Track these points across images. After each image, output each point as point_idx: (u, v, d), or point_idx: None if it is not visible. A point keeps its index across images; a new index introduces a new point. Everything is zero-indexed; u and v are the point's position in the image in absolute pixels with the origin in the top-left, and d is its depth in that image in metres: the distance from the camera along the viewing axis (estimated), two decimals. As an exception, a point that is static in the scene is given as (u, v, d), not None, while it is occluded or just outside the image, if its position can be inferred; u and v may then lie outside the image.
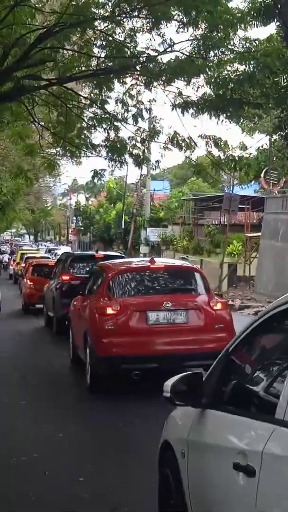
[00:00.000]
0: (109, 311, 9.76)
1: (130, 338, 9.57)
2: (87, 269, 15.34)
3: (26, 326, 19.86)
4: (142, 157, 14.95)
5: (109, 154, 14.86)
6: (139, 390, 9.32)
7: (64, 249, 62.17)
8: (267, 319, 3.41)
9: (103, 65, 13.10)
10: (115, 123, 14.51)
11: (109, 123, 14.52)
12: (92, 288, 11.36)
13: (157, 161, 15.46)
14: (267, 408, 3.02)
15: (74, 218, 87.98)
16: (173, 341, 9.55)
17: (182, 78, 12.65)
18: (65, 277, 16.49)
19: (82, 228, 78.24)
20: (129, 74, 13.40)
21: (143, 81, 13.15)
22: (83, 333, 10.58)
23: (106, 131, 14.66)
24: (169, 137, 14.21)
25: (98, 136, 15.65)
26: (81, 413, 9.08)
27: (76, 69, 13.28)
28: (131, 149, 14.82)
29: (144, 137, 14.83)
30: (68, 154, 17.84)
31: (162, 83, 12.85)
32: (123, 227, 55.86)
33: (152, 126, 14.84)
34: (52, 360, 13.52)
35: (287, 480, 2.67)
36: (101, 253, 18.12)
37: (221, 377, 3.78)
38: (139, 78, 13.48)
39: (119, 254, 19.05)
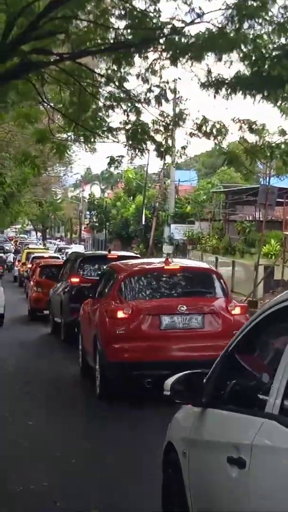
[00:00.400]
0: (120, 314, 10.28)
1: (142, 343, 10.06)
2: (99, 271, 15.61)
3: (32, 335, 20.09)
4: (165, 146, 14.91)
5: (129, 140, 14.85)
6: (152, 398, 9.20)
7: (76, 248, 62.48)
8: (263, 319, 3.95)
9: (122, 38, 13.09)
10: (136, 105, 14.47)
11: (129, 104, 14.51)
12: (103, 290, 11.87)
13: (183, 147, 15.42)
14: (259, 404, 3.55)
15: (88, 212, 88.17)
16: (187, 347, 9.93)
17: (213, 54, 12.62)
18: (74, 280, 16.87)
19: (97, 224, 78.34)
20: (152, 49, 13.36)
21: (168, 57, 13.11)
22: (93, 338, 11.06)
23: (125, 113, 14.65)
24: (196, 123, 14.19)
25: (115, 120, 15.61)
26: (93, 433, 9.12)
27: (91, 42, 13.27)
28: (153, 135, 14.81)
29: (168, 122, 14.79)
30: (81, 139, 17.89)
31: (189, 59, 12.80)
32: (143, 223, 55.89)
33: (177, 108, 14.75)
34: (60, 372, 13.75)
35: (273, 468, 3.21)
36: (115, 253, 18.61)
37: (220, 376, 4.32)
38: (163, 54, 13.46)
39: (134, 255, 19.49)
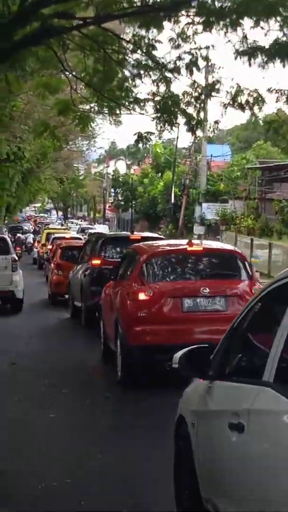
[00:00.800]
0: (142, 296, 10.75)
1: (163, 326, 10.45)
2: (121, 252, 15.81)
3: (52, 320, 20.45)
4: (196, 119, 14.79)
5: (158, 113, 14.75)
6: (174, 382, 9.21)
7: (100, 228, 62.58)
8: (264, 296, 4.64)
9: (151, 0, 13.01)
10: (166, 74, 14.37)
11: (157, 73, 14.41)
12: (125, 273, 12.31)
13: (216, 122, 15.33)
14: (258, 374, 4.15)
15: (112, 190, 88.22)
16: (210, 330, 10.03)
17: (249, 19, 12.49)
18: (96, 262, 17.25)
19: (122, 203, 78.43)
20: (184, 13, 13.24)
21: (201, 22, 12.98)
22: (114, 322, 11.59)
23: (154, 83, 14.55)
24: (231, 92, 14.07)
25: (143, 91, 15.56)
26: (120, 425, 9.16)
27: (117, 5, 13.18)
28: (184, 107, 14.69)
29: (200, 92, 14.66)
30: (106, 111, 17.85)
31: (224, 25, 12.66)
32: (172, 201, 55.82)
33: (210, 77, 14.61)
34: (80, 359, 13.99)
35: (267, 430, 3.91)
36: (138, 234, 18.91)
37: (225, 350, 5.01)
38: (195, 18, 13.33)
39: (158, 236, 19.84)
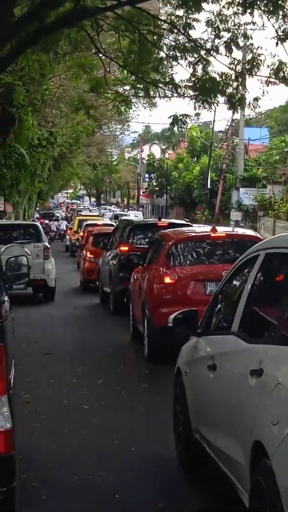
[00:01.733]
0: (167, 280, 11.96)
1: (188, 308, 10.68)
2: (148, 239, 16.72)
3: (84, 309, 20.92)
4: (237, 96, 14.71)
5: (197, 95, 14.67)
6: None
7: (134, 214, 62.60)
8: (236, 268, 6.50)
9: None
10: (204, 55, 14.27)
11: (196, 55, 14.32)
12: (152, 258, 13.61)
13: (256, 99, 15.19)
14: (229, 327, 5.92)
15: (147, 175, 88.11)
16: None
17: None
18: (124, 248, 18.17)
19: (157, 189, 78.29)
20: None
21: (240, 1, 12.91)
22: (142, 304, 12.85)
23: (191, 65, 14.46)
24: (273, 68, 13.97)
25: (179, 74, 15.47)
26: (154, 414, 9.21)
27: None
28: (223, 87, 14.60)
29: (240, 70, 14.57)
30: (141, 93, 17.84)
31: (265, 5, 12.59)
32: (209, 187, 55.59)
33: (250, 54, 14.50)
34: (111, 345, 14.64)
35: (229, 365, 5.67)
36: (165, 221, 19.85)
37: (210, 312, 6.89)
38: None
39: (185, 222, 20.67)
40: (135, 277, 14.81)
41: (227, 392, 5.67)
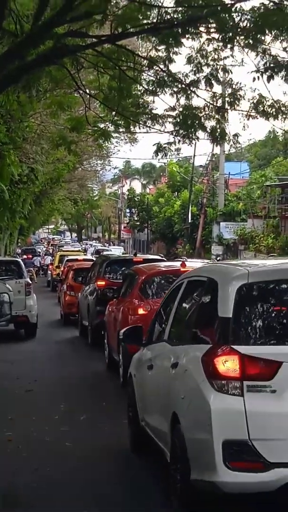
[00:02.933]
0: (141, 311, 13.07)
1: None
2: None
3: (65, 343, 21.34)
4: (219, 130, 14.82)
5: (177, 127, 14.77)
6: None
7: (114, 250, 62.71)
8: (170, 293, 8.68)
9: (167, 16, 13.03)
10: (184, 87, 14.39)
11: (176, 87, 14.42)
12: (126, 291, 14.75)
13: (236, 135, 15.34)
14: (163, 336, 8.11)
15: (128, 210, 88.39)
16: None
17: (268, 34, 12.55)
18: (101, 283, 18.81)
19: (138, 223, 78.50)
20: (203, 28, 13.28)
21: (219, 38, 13.05)
22: (117, 334, 13.17)
23: (175, 95, 14.54)
24: (253, 102, 14.10)
25: (159, 107, 15.56)
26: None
27: (132, 22, 13.25)
28: (204, 121, 14.72)
29: (221, 104, 14.70)
30: (121, 129, 17.91)
31: (244, 40, 12.73)
32: (190, 221, 55.82)
33: (231, 89, 14.64)
34: (91, 380, 14.97)
35: (160, 365, 7.82)
36: (140, 256, 21.17)
37: (151, 327, 8.99)
38: (211, 35, 13.39)
39: (159, 258, 21.63)
40: (110, 309, 15.84)
41: (158, 382, 7.92)
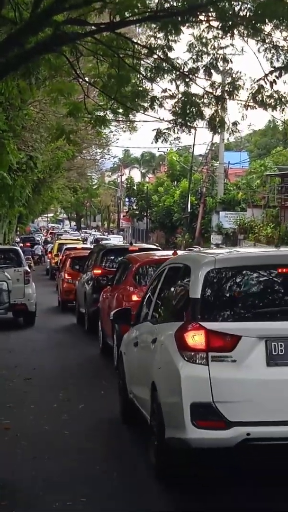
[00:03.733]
0: (134, 298, 13.60)
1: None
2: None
3: (63, 330, 21.63)
4: (218, 118, 14.78)
5: (176, 115, 14.73)
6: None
7: (114, 238, 62.70)
8: (154, 277, 9.67)
9: (167, 4, 12.99)
10: (184, 74, 14.34)
11: (176, 73, 14.37)
12: (120, 278, 15.52)
13: (235, 123, 15.29)
14: (148, 317, 9.23)
15: (127, 199, 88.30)
16: None
17: (268, 24, 12.51)
18: (97, 271, 19.36)
19: (137, 213, 78.44)
20: (203, 17, 13.23)
21: (219, 26, 13.00)
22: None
23: (173, 82, 14.49)
24: (251, 92, 14.06)
25: (157, 94, 15.50)
26: (135, 438, 9.23)
27: (131, 10, 13.20)
28: (203, 108, 14.67)
29: (220, 93, 14.65)
30: (120, 117, 17.84)
31: (244, 28, 12.68)
32: (189, 210, 55.79)
33: (230, 78, 14.59)
34: (88, 366, 15.31)
35: (144, 342, 8.91)
36: (136, 245, 21.50)
37: (139, 309, 9.94)
38: (210, 24, 13.34)
39: (154, 247, 22.31)
40: (104, 296, 16.55)
41: (141, 357, 9.02)
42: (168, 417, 7.38)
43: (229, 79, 14.77)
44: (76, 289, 23.25)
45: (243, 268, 7.63)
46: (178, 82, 14.57)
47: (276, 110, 14.26)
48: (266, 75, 13.48)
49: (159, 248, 22.58)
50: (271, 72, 13.40)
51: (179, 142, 61.68)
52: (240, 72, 14.46)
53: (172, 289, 8.46)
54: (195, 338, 7.06)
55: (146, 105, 15.26)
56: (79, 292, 21.99)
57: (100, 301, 16.85)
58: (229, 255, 8.44)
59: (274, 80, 13.44)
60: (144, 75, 14.95)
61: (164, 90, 14.77)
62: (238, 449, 6.87)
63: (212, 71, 14.21)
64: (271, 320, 7.22)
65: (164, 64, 14.48)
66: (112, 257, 19.58)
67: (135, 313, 10.10)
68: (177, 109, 14.71)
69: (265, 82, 13.64)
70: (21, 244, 58.91)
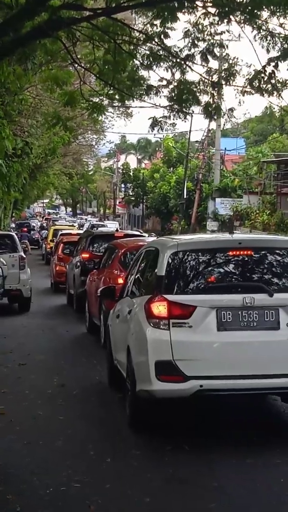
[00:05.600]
0: (120, 280, 14.28)
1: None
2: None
3: (56, 313, 22.33)
4: (214, 105, 14.76)
5: (172, 102, 14.71)
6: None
7: (110, 225, 62.68)
8: (135, 259, 11.35)
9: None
10: (179, 62, 14.30)
11: (173, 61, 14.33)
12: (106, 262, 16.72)
13: (231, 109, 15.28)
14: (128, 293, 10.77)
15: (123, 185, 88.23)
16: None
17: (265, 10, 12.46)
18: (85, 255, 20.76)
19: (133, 199, 78.40)
20: (199, 2, 13.18)
21: (216, 12, 12.96)
22: (98, 301, 15.48)
23: (169, 70, 14.46)
24: (248, 78, 14.03)
25: (155, 82, 15.46)
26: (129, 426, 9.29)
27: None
28: (199, 95, 14.63)
29: (216, 79, 14.62)
30: (116, 103, 17.78)
31: (242, 15, 12.64)
32: (185, 197, 55.74)
33: (227, 64, 14.55)
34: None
35: (123, 313, 10.45)
36: (121, 231, 23.87)
37: (123, 287, 11.49)
38: (207, 10, 13.29)
39: (138, 233, 24.01)
40: (90, 279, 17.82)
41: (121, 326, 10.44)
42: (138, 373, 8.87)
43: (225, 65, 14.72)
44: (66, 272, 24.82)
45: (200, 251, 9.20)
46: (174, 70, 14.53)
47: (273, 96, 14.25)
48: (264, 67, 13.44)
49: (143, 234, 24.65)
50: (268, 63, 13.36)
51: (176, 128, 61.59)
52: (237, 58, 14.44)
53: (146, 268, 10.05)
54: (159, 308, 8.60)
55: (142, 92, 15.23)
56: (69, 275, 23.49)
57: (87, 283, 18.18)
58: (190, 240, 10.30)
59: (273, 70, 13.42)
60: (141, 62, 14.92)
61: (161, 79, 14.74)
62: (193, 398, 8.46)
63: (209, 57, 14.16)
64: (222, 293, 8.72)
65: (160, 50, 14.44)
66: (99, 243, 20.87)
67: (120, 290, 11.51)
68: (173, 95, 14.68)
69: (264, 73, 13.61)
70: (24, 228, 59.81)
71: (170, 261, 8.88)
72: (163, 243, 9.67)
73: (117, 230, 25.33)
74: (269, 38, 13.17)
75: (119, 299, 11.36)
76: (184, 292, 8.78)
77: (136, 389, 8.87)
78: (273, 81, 14.08)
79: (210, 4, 12.94)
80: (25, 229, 62.40)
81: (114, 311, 11.57)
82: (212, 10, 13.20)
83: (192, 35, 13.94)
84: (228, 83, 14.57)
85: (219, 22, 13.39)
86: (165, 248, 9.18)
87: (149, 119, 15.90)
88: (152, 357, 8.49)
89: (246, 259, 9.06)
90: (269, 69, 13.56)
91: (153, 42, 14.27)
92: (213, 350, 8.49)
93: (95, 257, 19.49)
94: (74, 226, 54.52)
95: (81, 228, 53.18)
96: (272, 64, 13.48)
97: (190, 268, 9.03)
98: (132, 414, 9.24)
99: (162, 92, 14.89)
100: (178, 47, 14.28)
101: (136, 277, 10.50)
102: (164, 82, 14.75)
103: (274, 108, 53.88)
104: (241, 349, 8.52)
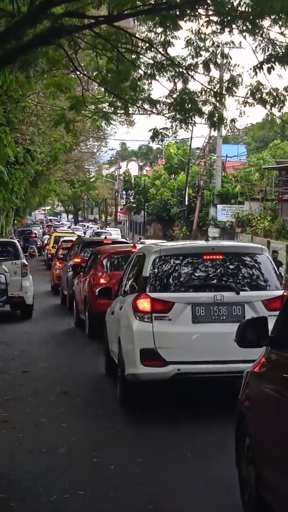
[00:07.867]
0: (102, 281, 17.11)
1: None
2: None
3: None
4: (217, 115, 14.77)
5: (174, 112, 14.73)
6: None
7: (111, 232, 62.71)
8: (128, 262, 12.64)
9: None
10: (182, 71, 14.32)
11: (176, 70, 14.36)
12: (91, 266, 18.93)
13: (233, 120, 15.33)
14: (121, 292, 12.26)
15: (124, 192, 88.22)
16: None
17: (266, 19, 12.49)
18: (76, 260, 23.07)
19: (135, 206, 78.38)
20: (202, 11, 13.19)
21: (218, 21, 12.97)
22: (84, 299, 18.36)
23: (172, 80, 14.49)
24: (250, 89, 14.05)
25: (158, 90, 15.50)
26: (132, 431, 9.26)
27: (131, 3, 13.16)
28: (201, 106, 14.66)
29: (219, 90, 14.64)
30: (119, 111, 17.86)
31: (242, 24, 12.66)
32: (186, 203, 55.76)
33: (228, 74, 14.59)
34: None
35: (116, 309, 11.96)
36: (110, 238, 28.67)
37: (118, 287, 12.89)
38: (210, 18, 13.30)
39: (125, 240, 28.26)
40: (77, 280, 20.25)
41: (114, 321, 11.94)
42: (126, 360, 10.36)
43: (227, 75, 14.75)
44: (61, 275, 27.17)
45: (179, 255, 10.70)
46: (177, 80, 14.57)
47: (275, 107, 14.26)
48: (261, 63, 13.39)
49: (129, 241, 29.30)
50: (266, 62, 13.31)
51: (177, 136, 61.60)
52: (238, 65, 14.47)
53: (135, 271, 11.45)
54: (144, 304, 10.08)
55: (144, 102, 15.27)
56: (63, 278, 26.00)
57: (75, 285, 20.79)
58: (171, 246, 12.38)
59: (272, 66, 13.32)
60: (144, 71, 14.94)
61: (166, 95, 14.79)
62: (172, 381, 9.91)
63: (211, 66, 14.18)
64: (196, 292, 10.25)
65: (163, 60, 14.47)
66: (90, 248, 22.83)
67: (116, 290, 12.99)
68: (176, 105, 14.70)
69: (260, 71, 13.56)
70: (32, 234, 62.62)
71: (153, 264, 10.36)
72: (149, 249, 11.19)
73: (105, 238, 28.49)
74: (270, 47, 13.19)
75: (115, 297, 12.83)
76: (164, 290, 10.26)
77: (125, 374, 10.31)
78: (274, 92, 14.10)
79: (212, 12, 12.95)
80: (33, 235, 65.24)
81: (110, 308, 12.99)
82: (214, 18, 13.22)
83: (194, 44, 13.97)
84: (230, 94, 14.60)
85: (221, 31, 13.42)
86: (150, 253, 10.66)
87: (149, 130, 15.98)
88: (138, 345, 10.00)
89: (218, 262, 10.51)
90: (266, 67, 13.50)
91: (156, 50, 14.29)
92: (189, 339, 9.94)
93: (85, 262, 21.12)
94: (75, 234, 54.74)
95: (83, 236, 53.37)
96: (271, 64, 13.44)
97: (170, 270, 10.49)
98: (122, 395, 10.76)
99: (165, 106, 14.94)
100: (181, 56, 14.32)
101: (127, 278, 12.02)
102: (166, 94, 14.80)
103: (275, 115, 53.85)
104: (212, 338, 9.88)
